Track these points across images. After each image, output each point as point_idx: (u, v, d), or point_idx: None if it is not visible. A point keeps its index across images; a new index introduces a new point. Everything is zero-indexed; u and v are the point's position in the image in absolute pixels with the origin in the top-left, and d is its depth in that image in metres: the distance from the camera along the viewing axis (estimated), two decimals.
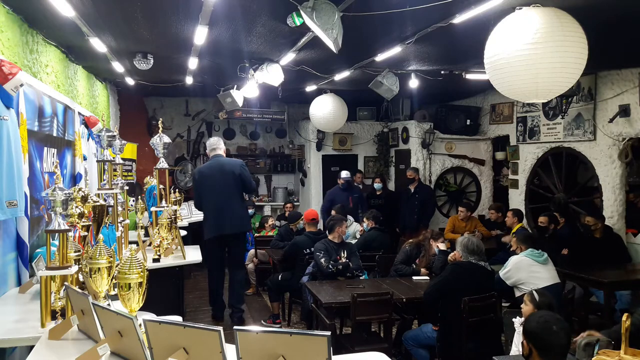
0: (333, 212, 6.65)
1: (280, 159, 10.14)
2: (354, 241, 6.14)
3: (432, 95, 8.31)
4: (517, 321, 3.44)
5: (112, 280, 2.41)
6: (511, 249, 4.70)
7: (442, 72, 6.03)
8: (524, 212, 7.48)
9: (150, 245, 4.23)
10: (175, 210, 4.69)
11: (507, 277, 4.35)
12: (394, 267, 5.01)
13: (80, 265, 2.52)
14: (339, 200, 7.52)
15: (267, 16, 3.92)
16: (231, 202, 5.33)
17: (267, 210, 9.50)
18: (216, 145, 5.57)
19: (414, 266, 4.97)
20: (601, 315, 5.15)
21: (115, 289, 2.23)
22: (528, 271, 4.26)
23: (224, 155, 5.61)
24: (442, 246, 4.90)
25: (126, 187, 3.66)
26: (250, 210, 7.97)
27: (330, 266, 4.75)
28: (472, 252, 4.04)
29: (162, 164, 4.31)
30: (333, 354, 1.55)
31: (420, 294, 4.22)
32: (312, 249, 5.24)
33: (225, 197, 5.31)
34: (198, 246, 4.76)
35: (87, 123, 5.13)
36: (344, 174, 7.99)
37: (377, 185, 8.14)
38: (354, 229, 6.85)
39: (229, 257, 5.56)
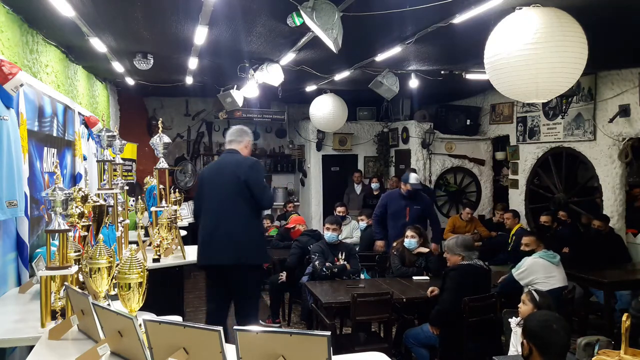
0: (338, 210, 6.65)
1: (280, 159, 10.14)
2: (349, 241, 6.12)
3: (432, 95, 8.31)
4: (514, 321, 3.44)
5: (112, 280, 2.41)
6: (522, 249, 4.64)
7: (442, 72, 6.03)
8: (524, 212, 7.50)
9: (150, 245, 4.23)
10: (175, 210, 4.69)
11: (521, 277, 4.32)
12: (397, 274, 4.90)
13: (80, 265, 2.52)
14: (393, 208, 5.95)
15: (267, 16, 3.92)
16: (228, 220, 3.77)
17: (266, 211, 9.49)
18: (233, 136, 4.01)
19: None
20: (601, 315, 5.15)
21: (115, 289, 2.23)
22: (544, 272, 4.24)
23: (242, 151, 3.99)
24: (413, 240, 4.87)
25: (126, 187, 3.66)
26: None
27: (324, 269, 4.72)
28: (470, 248, 4.06)
29: (162, 164, 4.31)
30: (333, 354, 1.54)
31: (421, 294, 4.22)
32: (310, 247, 5.25)
33: (221, 212, 3.79)
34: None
35: (87, 123, 5.13)
36: (413, 177, 5.95)
37: (375, 185, 8.14)
38: (351, 228, 6.79)
39: (232, 295, 3.95)
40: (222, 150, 9.20)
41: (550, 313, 2.62)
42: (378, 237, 6.02)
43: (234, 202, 3.77)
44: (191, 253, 4.27)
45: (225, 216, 3.77)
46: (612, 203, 6.14)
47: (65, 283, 2.36)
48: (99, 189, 3.52)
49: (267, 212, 9.20)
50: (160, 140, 4.16)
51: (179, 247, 4.24)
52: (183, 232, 5.12)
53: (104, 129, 3.64)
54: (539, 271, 4.26)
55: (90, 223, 2.99)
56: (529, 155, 7.48)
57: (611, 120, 5.96)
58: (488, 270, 4.12)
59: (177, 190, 6.06)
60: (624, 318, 2.50)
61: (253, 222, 3.88)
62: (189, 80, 6.83)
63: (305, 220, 8.56)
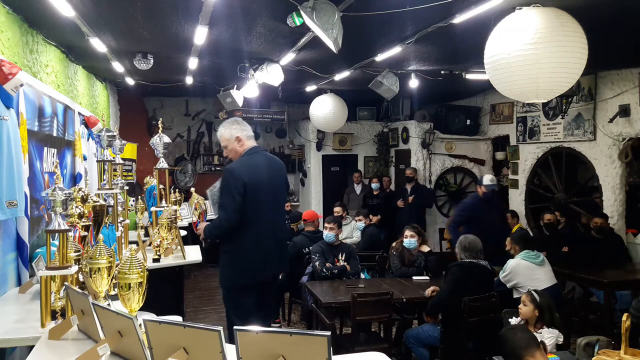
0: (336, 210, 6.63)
1: (280, 158, 10.11)
2: (349, 241, 6.12)
3: (432, 95, 8.31)
4: (514, 321, 3.44)
5: (112, 280, 2.41)
6: (506, 249, 4.68)
7: (442, 72, 6.04)
8: (524, 212, 7.50)
9: (150, 245, 4.23)
10: (175, 210, 4.68)
11: (506, 280, 4.36)
12: (396, 274, 4.88)
13: (80, 265, 2.52)
14: (484, 215, 5.59)
15: (267, 16, 3.92)
16: (281, 227, 3.66)
17: None
18: (251, 131, 3.64)
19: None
20: (601, 315, 5.15)
21: (115, 289, 2.23)
22: (527, 274, 4.26)
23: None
24: (412, 240, 4.86)
25: (126, 187, 3.65)
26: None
27: (324, 270, 4.72)
28: (464, 249, 4.06)
29: (162, 164, 4.30)
30: (333, 354, 1.54)
31: (420, 294, 4.22)
32: (311, 248, 5.24)
33: (276, 220, 3.54)
34: (198, 246, 4.76)
35: (87, 123, 5.13)
36: (488, 179, 5.84)
37: (375, 185, 8.15)
38: (351, 228, 6.78)
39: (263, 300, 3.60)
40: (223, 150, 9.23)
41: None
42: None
43: (283, 208, 3.82)
44: (191, 253, 4.28)
45: (280, 223, 3.62)
46: (612, 203, 6.14)
47: (65, 283, 2.36)
48: (99, 189, 3.52)
49: None
50: (160, 140, 4.16)
51: (179, 247, 4.24)
52: (183, 232, 5.12)
53: (104, 129, 3.63)
54: (521, 273, 4.27)
55: (90, 223, 2.99)
56: (529, 155, 7.48)
57: (611, 120, 5.96)
58: (491, 270, 4.12)
59: (177, 190, 6.05)
60: (624, 318, 2.50)
61: None
62: (189, 80, 6.83)
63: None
